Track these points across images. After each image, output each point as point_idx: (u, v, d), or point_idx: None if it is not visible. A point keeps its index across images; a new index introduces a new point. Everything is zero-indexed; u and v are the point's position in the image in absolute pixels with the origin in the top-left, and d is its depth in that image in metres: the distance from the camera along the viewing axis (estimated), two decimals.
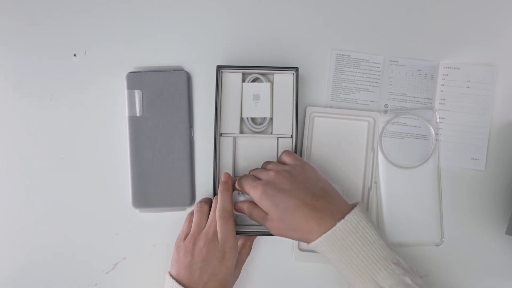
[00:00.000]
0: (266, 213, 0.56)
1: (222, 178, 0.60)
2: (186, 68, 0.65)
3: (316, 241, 0.53)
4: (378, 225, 0.64)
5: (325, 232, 0.52)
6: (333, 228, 0.52)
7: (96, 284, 0.64)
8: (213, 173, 0.61)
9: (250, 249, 0.62)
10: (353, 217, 0.53)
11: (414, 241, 0.64)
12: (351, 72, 0.65)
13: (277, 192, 0.54)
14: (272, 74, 0.63)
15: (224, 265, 0.56)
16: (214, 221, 0.58)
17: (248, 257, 0.63)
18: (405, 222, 0.64)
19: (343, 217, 0.53)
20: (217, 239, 0.56)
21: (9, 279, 0.64)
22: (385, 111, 0.65)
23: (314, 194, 0.54)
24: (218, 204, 0.58)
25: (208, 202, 0.61)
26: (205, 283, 0.55)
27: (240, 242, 0.61)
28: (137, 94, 0.63)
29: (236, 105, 0.63)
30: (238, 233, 0.59)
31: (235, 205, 0.60)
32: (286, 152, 0.60)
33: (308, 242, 0.54)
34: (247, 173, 0.61)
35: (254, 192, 0.56)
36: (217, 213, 0.57)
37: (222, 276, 0.56)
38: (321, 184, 0.56)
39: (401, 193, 0.64)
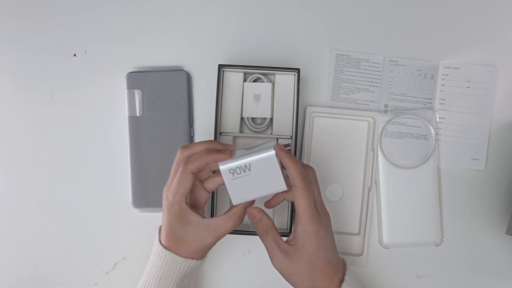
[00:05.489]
0: (286, 243, 0.50)
1: (224, 153, 0.51)
2: (186, 68, 0.65)
3: None
4: (378, 225, 0.64)
5: None
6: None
7: (96, 284, 0.64)
8: (212, 173, 0.61)
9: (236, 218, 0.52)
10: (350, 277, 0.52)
11: (414, 241, 0.64)
12: (351, 72, 0.65)
13: (330, 229, 0.52)
14: (274, 74, 0.63)
15: (164, 215, 0.52)
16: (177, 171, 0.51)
17: (248, 257, 0.63)
18: (405, 222, 0.64)
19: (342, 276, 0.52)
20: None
21: (9, 279, 0.64)
22: (385, 111, 0.65)
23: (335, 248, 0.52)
24: (191, 157, 0.51)
25: (190, 148, 0.52)
26: (162, 231, 0.53)
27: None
28: (137, 94, 0.63)
29: (236, 105, 0.63)
30: (238, 233, 0.59)
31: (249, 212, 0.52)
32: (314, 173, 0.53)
33: None
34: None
35: (308, 203, 0.49)
36: (181, 164, 0.51)
37: (166, 224, 0.52)
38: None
39: (401, 193, 0.64)
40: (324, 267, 0.50)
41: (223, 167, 0.49)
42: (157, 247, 0.53)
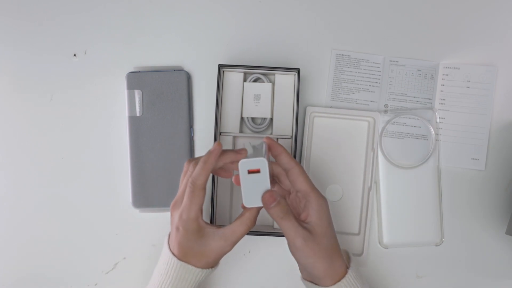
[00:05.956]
0: (305, 226, 0.50)
1: (212, 147, 0.50)
2: (186, 68, 0.65)
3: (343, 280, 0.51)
4: (378, 225, 0.64)
5: (343, 277, 0.51)
6: (349, 272, 0.51)
7: (96, 284, 0.64)
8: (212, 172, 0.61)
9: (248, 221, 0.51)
10: (354, 265, 0.53)
11: (414, 241, 0.64)
12: (351, 72, 0.65)
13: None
14: (274, 74, 0.63)
15: (179, 233, 0.51)
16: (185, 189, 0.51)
17: (247, 257, 0.63)
18: (405, 222, 0.64)
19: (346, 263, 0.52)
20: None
21: (9, 279, 0.64)
22: (385, 111, 0.65)
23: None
24: (193, 173, 0.50)
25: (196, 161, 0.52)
26: (175, 246, 0.52)
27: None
28: (137, 94, 0.63)
29: (236, 105, 0.63)
30: None
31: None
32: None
33: (325, 284, 0.51)
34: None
35: (309, 179, 0.52)
36: (188, 183, 0.50)
37: (181, 240, 0.51)
38: None
39: (401, 193, 0.64)
40: (335, 242, 0.52)
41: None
42: (169, 259, 0.51)
